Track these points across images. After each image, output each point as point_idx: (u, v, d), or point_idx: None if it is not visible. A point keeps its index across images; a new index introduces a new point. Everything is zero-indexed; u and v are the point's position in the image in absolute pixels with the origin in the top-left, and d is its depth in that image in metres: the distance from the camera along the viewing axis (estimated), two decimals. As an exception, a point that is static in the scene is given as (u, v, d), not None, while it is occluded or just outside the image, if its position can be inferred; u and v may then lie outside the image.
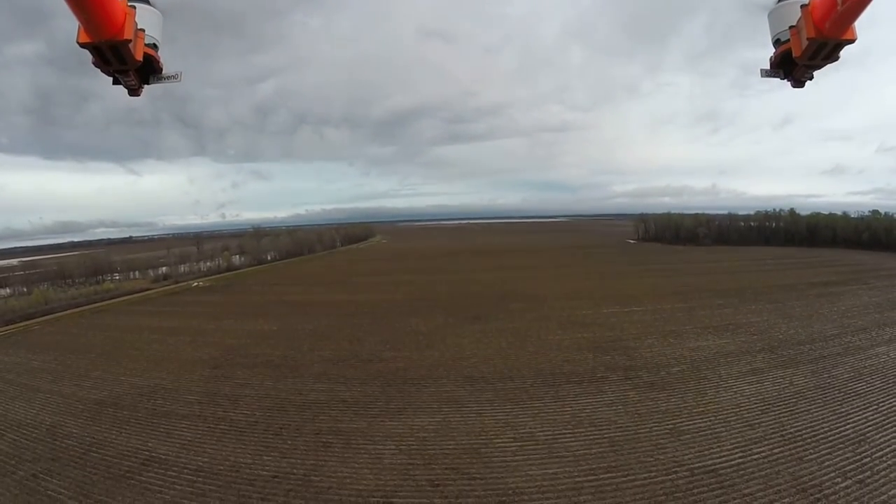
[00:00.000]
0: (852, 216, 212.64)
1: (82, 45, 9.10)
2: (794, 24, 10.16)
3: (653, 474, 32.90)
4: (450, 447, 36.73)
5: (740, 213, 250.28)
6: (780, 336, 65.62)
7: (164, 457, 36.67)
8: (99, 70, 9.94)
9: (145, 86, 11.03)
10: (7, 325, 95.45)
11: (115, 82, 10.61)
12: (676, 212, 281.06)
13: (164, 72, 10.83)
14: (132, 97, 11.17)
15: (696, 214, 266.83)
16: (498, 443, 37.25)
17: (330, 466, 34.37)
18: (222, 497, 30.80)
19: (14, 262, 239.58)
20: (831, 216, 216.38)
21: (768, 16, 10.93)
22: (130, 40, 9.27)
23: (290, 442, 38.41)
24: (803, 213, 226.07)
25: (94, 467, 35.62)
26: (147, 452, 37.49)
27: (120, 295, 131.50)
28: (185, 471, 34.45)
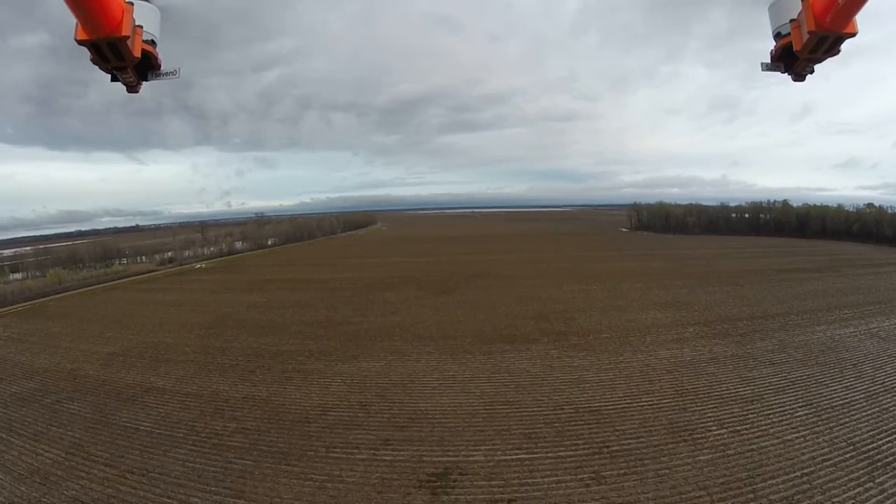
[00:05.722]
0: (847, 209, 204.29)
1: (80, 43, 9.23)
2: (795, 17, 10.16)
3: (541, 409, 39.27)
4: (384, 382, 46.41)
5: (743, 205, 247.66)
6: (722, 313, 69.33)
7: (161, 387, 46.91)
8: (97, 67, 10.06)
9: (144, 82, 11.11)
10: (25, 301, 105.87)
11: (114, 79, 10.69)
12: (685, 203, 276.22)
13: (162, 68, 10.91)
14: (131, 94, 11.34)
15: (689, 204, 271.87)
16: (423, 381, 46.68)
17: (288, 392, 44.44)
18: (203, 409, 40.95)
19: (28, 249, 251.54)
20: (822, 207, 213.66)
21: (769, 9, 10.97)
22: (128, 37, 9.34)
23: (260, 377, 48.67)
24: (807, 206, 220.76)
25: (107, 394, 45.65)
26: (149, 384, 47.73)
27: (128, 276, 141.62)
28: (177, 395, 44.63)
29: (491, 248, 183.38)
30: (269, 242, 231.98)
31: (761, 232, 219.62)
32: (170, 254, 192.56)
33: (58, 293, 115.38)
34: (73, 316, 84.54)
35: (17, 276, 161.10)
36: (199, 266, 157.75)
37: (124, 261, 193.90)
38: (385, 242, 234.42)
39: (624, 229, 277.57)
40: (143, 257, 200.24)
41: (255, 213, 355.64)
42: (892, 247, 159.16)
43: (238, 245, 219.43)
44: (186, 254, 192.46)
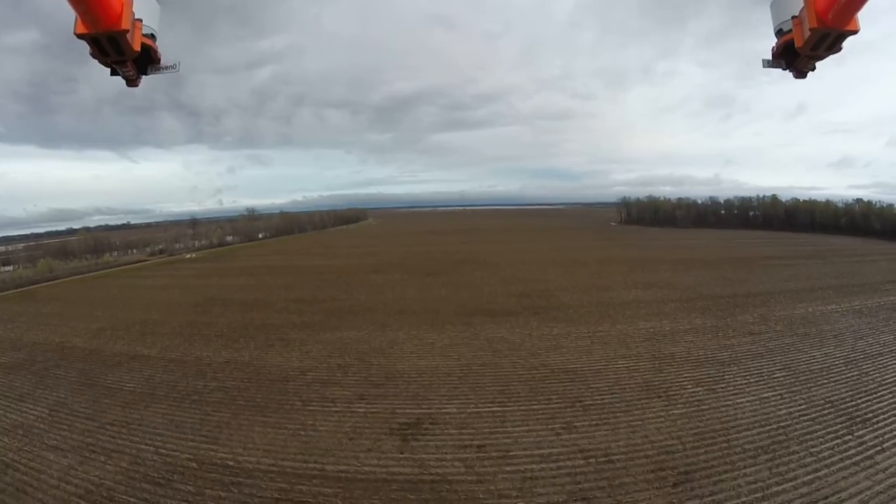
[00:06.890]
0: (838, 204, 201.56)
1: (80, 37, 9.09)
2: (797, 14, 10.12)
3: (517, 370, 40.57)
4: (363, 348, 47.75)
5: (733, 199, 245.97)
6: (705, 292, 70.10)
7: (147, 354, 48.10)
8: (97, 61, 9.97)
9: (143, 76, 11.09)
10: (16, 288, 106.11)
11: (113, 73, 10.58)
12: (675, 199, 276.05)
13: (161, 62, 10.87)
14: (130, 87, 11.32)
15: (679, 199, 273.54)
16: (403, 346, 48.08)
17: (269, 357, 45.75)
18: (185, 372, 42.22)
19: (19, 246, 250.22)
20: (811, 202, 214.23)
21: (770, 6, 10.92)
22: (128, 31, 9.26)
23: (244, 344, 50.02)
24: (795, 200, 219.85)
25: (94, 362, 46.67)
26: (134, 353, 48.91)
27: (118, 265, 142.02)
28: (162, 361, 45.83)
29: (480, 239, 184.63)
30: (260, 236, 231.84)
31: (750, 226, 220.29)
32: (160, 245, 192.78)
33: (48, 281, 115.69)
34: (63, 299, 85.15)
35: (8, 268, 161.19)
36: (189, 256, 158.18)
37: (115, 253, 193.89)
38: (375, 235, 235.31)
39: (613, 223, 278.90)
40: (134, 249, 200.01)
41: (247, 210, 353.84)
42: (881, 239, 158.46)
43: (229, 238, 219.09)
44: (177, 246, 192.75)
